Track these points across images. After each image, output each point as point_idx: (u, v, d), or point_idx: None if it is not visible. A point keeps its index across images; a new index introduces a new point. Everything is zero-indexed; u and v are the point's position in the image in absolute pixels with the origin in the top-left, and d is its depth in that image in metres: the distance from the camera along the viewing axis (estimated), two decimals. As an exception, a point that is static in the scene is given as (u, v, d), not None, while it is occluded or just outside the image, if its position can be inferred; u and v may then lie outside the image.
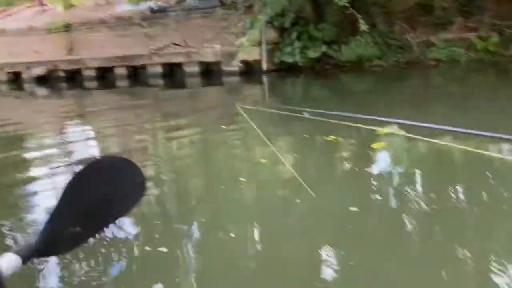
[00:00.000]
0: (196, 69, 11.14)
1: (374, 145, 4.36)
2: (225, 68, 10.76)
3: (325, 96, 8.74)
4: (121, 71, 12.06)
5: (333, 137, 4.68)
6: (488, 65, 9.07)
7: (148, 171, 4.13)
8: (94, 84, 12.23)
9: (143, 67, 11.88)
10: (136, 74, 12.11)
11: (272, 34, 10.41)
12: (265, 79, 10.39)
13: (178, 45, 12.50)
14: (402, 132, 4.44)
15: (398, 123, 4.63)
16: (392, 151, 4.42)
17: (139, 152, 5.14)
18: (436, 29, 10.24)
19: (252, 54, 10.39)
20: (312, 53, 10.07)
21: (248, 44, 10.26)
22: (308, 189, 3.17)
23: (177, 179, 4.18)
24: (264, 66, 10.34)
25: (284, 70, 10.68)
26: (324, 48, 10.09)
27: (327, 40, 10.28)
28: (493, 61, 9.13)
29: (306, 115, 5.52)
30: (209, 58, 10.93)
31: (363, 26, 8.82)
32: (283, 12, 10.29)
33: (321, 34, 10.22)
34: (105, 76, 12.44)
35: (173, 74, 11.70)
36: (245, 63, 10.64)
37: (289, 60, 10.15)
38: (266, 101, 8.60)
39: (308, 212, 3.05)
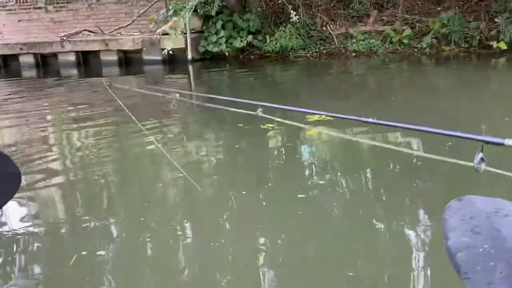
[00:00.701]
0: (114, 57, 10.46)
1: (309, 132, 4.52)
2: (146, 57, 10.24)
3: (252, 85, 8.73)
4: (27, 59, 10.93)
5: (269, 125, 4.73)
6: (402, 56, 9.69)
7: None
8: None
9: (54, 55, 10.88)
10: (46, 63, 11.06)
11: (196, 23, 10.12)
12: (190, 68, 10.07)
13: (92, 32, 11.66)
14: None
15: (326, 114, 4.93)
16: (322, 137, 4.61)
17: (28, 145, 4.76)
18: (354, 21, 10.72)
19: (177, 43, 10.00)
20: (238, 43, 9.98)
21: (174, 32, 9.86)
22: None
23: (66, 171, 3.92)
24: (189, 55, 10.01)
25: (209, 60, 10.47)
26: (250, 38, 10.04)
27: (252, 30, 10.25)
28: (407, 52, 9.78)
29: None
30: (128, 46, 10.32)
31: (294, 17, 8.91)
32: (207, 0, 10.05)
33: (246, 24, 10.16)
34: (8, 65, 11.20)
35: (88, 63, 10.88)
36: (169, 52, 10.22)
37: (215, 49, 9.95)
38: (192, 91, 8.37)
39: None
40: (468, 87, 6.97)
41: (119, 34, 10.88)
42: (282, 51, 10.21)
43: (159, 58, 10.15)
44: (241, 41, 10.00)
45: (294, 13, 9.05)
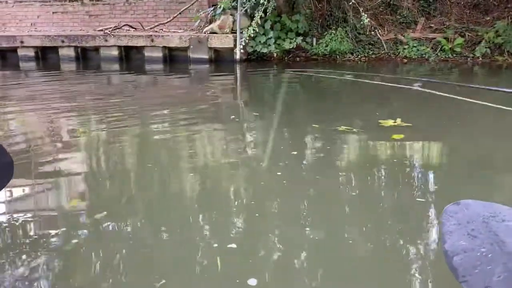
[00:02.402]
0: (158, 54, 10.27)
1: (394, 136, 4.55)
2: (193, 55, 10.06)
3: (305, 89, 8.61)
4: (67, 52, 10.71)
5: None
6: (455, 65, 9.57)
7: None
8: (32, 65, 10.73)
9: (96, 49, 10.68)
10: (85, 57, 10.85)
11: (245, 22, 9.95)
12: (237, 68, 9.91)
13: (133, 27, 11.48)
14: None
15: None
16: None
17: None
18: (402, 28, 10.60)
19: (225, 42, 9.83)
20: (288, 45, 9.82)
21: (221, 32, 9.71)
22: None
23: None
24: (237, 55, 9.83)
25: (254, 60, 10.31)
26: (299, 40, 9.89)
27: (300, 32, 10.10)
28: (459, 61, 9.65)
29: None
30: (175, 43, 10.13)
31: (365, 19, 8.76)
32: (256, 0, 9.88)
33: (295, 25, 10.01)
34: (46, 57, 10.99)
35: (129, 59, 10.69)
36: (215, 51, 10.06)
37: (264, 50, 9.78)
38: (237, 92, 8.25)
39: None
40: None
41: (162, 31, 10.69)
42: (330, 54, 10.06)
43: (206, 56, 9.98)
44: (290, 42, 9.84)
45: (365, 15, 8.89)
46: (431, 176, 3.68)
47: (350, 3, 9.58)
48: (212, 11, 10.29)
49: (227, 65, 9.99)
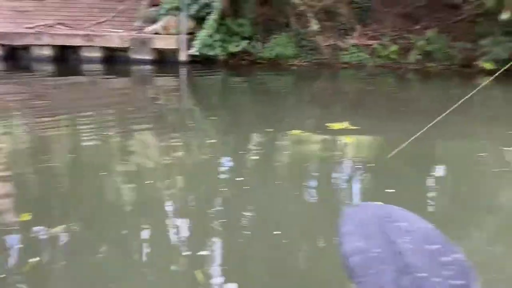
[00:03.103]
0: (97, 54, 9.77)
1: (347, 139, 4.80)
2: (134, 56, 9.69)
3: (252, 91, 8.67)
4: (-8, 50, 9.85)
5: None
6: (389, 71, 10.12)
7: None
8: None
9: (24, 48, 9.91)
10: (15, 57, 10.03)
11: (190, 24, 9.77)
12: (181, 70, 9.70)
13: (67, 26, 10.81)
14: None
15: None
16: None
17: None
18: (340, 34, 11.00)
19: (169, 43, 9.59)
20: (233, 48, 9.80)
21: (165, 32, 9.47)
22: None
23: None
24: (182, 56, 9.63)
25: (199, 62, 10.17)
26: (245, 43, 9.91)
27: (246, 36, 10.13)
28: (394, 67, 10.23)
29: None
30: (115, 43, 9.71)
31: (315, 26, 8.95)
32: (200, 1, 9.75)
33: (240, 29, 10.02)
34: (-33, 56, 10.03)
35: (64, 59, 10.04)
36: (159, 52, 9.77)
37: (210, 52, 9.66)
38: (185, 96, 8.11)
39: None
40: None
41: (103, 30, 10.18)
42: (275, 58, 10.20)
43: (149, 57, 9.67)
44: (236, 46, 9.83)
45: (316, 21, 9.09)
46: (373, 176, 3.83)
47: (298, 9, 9.81)
48: (155, 12, 9.99)
49: (171, 66, 9.76)
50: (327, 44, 10.80)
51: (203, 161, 4.18)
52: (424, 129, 3.93)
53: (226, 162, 4.08)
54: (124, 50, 9.76)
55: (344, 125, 5.13)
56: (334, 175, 3.88)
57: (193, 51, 9.57)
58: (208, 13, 9.72)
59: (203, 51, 9.74)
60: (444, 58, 10.12)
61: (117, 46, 9.72)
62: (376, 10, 11.58)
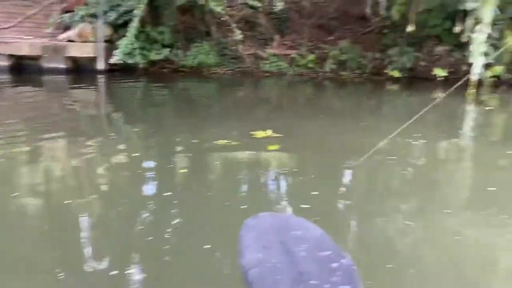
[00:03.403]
0: (3, 63, 9.06)
1: (270, 147, 4.84)
2: (47, 64, 9.12)
3: (173, 99, 8.56)
4: None
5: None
6: (308, 79, 10.59)
7: None
8: None
9: None
10: None
11: (106, 31, 9.44)
12: (99, 79, 9.31)
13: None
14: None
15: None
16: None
17: None
18: (260, 44, 11.30)
19: (85, 51, 9.17)
20: (154, 56, 9.63)
21: (80, 40, 9.04)
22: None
23: None
24: (100, 65, 9.26)
25: (118, 71, 9.84)
26: (166, 51, 9.78)
27: (166, 44, 10.01)
28: (312, 75, 10.72)
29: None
30: (25, 51, 9.06)
31: (238, 35, 9.03)
32: (115, 7, 9.47)
33: (161, 36, 9.88)
34: None
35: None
36: (74, 60, 9.30)
37: (130, 61, 9.39)
38: (105, 107, 7.78)
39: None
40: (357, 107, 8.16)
41: (10, 37, 9.44)
42: (198, 66, 10.19)
43: (63, 66, 9.17)
44: (157, 53, 9.67)
45: (240, 31, 9.20)
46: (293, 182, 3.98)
47: (218, 19, 9.90)
48: (68, 18, 9.49)
49: (88, 76, 9.32)
50: (248, 53, 11.03)
51: (126, 176, 3.97)
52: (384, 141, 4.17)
53: (152, 177, 3.95)
54: (35, 58, 9.16)
55: (268, 133, 5.21)
56: (262, 184, 3.93)
57: (115, 59, 9.19)
58: (127, 21, 9.49)
59: (123, 59, 9.45)
60: (356, 67, 10.81)
61: (26, 54, 9.08)
62: (293, 21, 12.08)
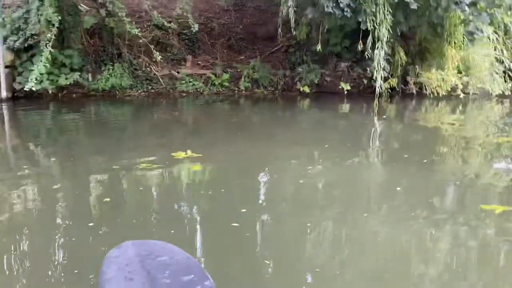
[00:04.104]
0: None
1: (194, 167, 5.03)
2: None
3: (86, 126, 8.21)
4: None
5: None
6: (225, 97, 10.86)
7: None
8: None
9: None
10: None
11: (7, 56, 8.82)
12: (3, 108, 8.63)
13: None
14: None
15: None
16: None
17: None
18: (173, 64, 11.34)
19: (-16, 78, 8.47)
20: (63, 80, 9.19)
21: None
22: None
23: None
24: (3, 93, 8.59)
25: (22, 98, 9.23)
26: (76, 75, 9.39)
27: (75, 68, 9.61)
28: (228, 94, 11.00)
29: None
30: None
31: (158, 57, 8.93)
32: (18, 31, 8.91)
33: (69, 60, 9.47)
34: None
35: None
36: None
37: (37, 87, 8.83)
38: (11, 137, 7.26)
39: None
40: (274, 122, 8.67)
41: None
42: (110, 89, 9.92)
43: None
44: (67, 78, 9.25)
45: (158, 53, 9.11)
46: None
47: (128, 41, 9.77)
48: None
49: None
50: (162, 74, 11.00)
51: (45, 211, 3.75)
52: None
53: (75, 209, 3.81)
54: None
55: (188, 153, 5.29)
56: (190, 206, 4.00)
57: (28, 86, 8.28)
58: (31, 45, 8.96)
59: (28, 85, 8.83)
60: (269, 84, 11.34)
61: None
62: (204, 42, 12.32)
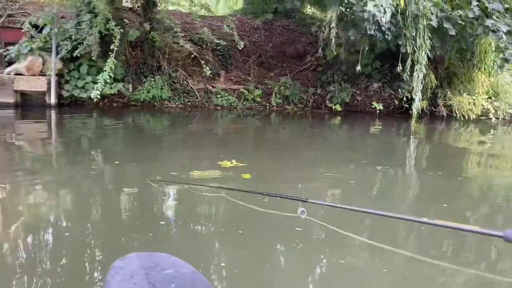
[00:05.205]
0: None
1: (244, 175, 5.12)
2: (-9, 98, 8.58)
3: (130, 135, 8.51)
4: None
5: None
6: (256, 112, 11.19)
7: None
8: None
9: None
10: None
11: (58, 65, 9.19)
12: (50, 114, 8.94)
13: None
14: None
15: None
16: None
17: None
18: (208, 79, 11.71)
19: (36, 85, 8.81)
20: (109, 90, 9.52)
21: (29, 73, 8.69)
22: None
23: None
24: (52, 99, 8.94)
25: (67, 106, 9.56)
26: (120, 85, 9.74)
27: (118, 78, 9.97)
28: (260, 109, 11.34)
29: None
30: (-33, 84, 8.45)
31: (208, 71, 9.28)
32: (69, 41, 9.29)
33: (113, 71, 9.82)
34: None
35: None
36: (22, 94, 8.87)
37: (83, 95, 9.21)
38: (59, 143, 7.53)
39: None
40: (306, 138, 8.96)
41: None
42: (150, 100, 10.27)
43: (10, 101, 8.71)
44: (111, 87, 9.59)
45: (208, 67, 9.47)
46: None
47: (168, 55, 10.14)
48: (16, 51, 9.06)
49: (38, 110, 8.93)
50: (198, 87, 11.36)
51: (99, 221, 3.81)
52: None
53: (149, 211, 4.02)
54: (-23, 91, 8.57)
55: (233, 163, 5.51)
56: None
57: (94, 94, 8.61)
58: (78, 55, 9.32)
59: (75, 93, 9.26)
60: (299, 101, 11.69)
61: (-32, 87, 8.49)
62: (236, 59, 12.72)
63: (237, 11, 15.77)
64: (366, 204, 4.45)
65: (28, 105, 8.96)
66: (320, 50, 12.05)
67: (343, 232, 2.61)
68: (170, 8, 12.61)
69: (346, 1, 8.01)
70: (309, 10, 15.20)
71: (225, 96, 11.20)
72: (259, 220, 3.67)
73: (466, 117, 10.05)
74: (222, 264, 3.02)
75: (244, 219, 3.78)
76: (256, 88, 11.83)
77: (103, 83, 8.38)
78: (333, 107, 11.01)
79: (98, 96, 8.56)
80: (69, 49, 9.02)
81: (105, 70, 8.45)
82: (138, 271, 1.27)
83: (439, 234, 3.56)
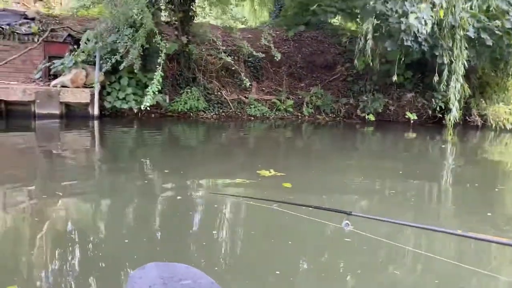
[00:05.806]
0: (-9, 108, 8.75)
1: (285, 184, 5.23)
2: (39, 110, 8.96)
3: (171, 144, 8.73)
4: None
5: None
6: (289, 122, 11.36)
7: None
8: None
9: None
10: None
11: (100, 77, 9.53)
12: (92, 124, 9.27)
13: None
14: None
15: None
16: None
17: None
18: (240, 90, 11.95)
19: (80, 97, 9.16)
20: (150, 101, 9.79)
21: (73, 86, 9.04)
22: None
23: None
24: (95, 110, 9.27)
25: (108, 116, 9.89)
26: (159, 96, 10.03)
27: (156, 90, 10.25)
28: (292, 119, 11.51)
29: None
30: (17, 97, 8.85)
31: (247, 83, 9.53)
32: (111, 54, 9.63)
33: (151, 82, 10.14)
34: None
35: None
36: (66, 106, 9.23)
37: (124, 106, 9.52)
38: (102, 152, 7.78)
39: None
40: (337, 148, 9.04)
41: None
42: (186, 111, 10.53)
43: (56, 112, 9.06)
44: (151, 99, 9.87)
45: (247, 79, 9.72)
46: None
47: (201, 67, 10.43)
48: (60, 64, 9.45)
49: (81, 121, 9.27)
50: (231, 98, 11.61)
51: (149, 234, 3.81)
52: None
53: (187, 224, 4.05)
54: (26, 104, 8.97)
55: (272, 172, 5.63)
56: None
57: (144, 106, 8.82)
58: (118, 68, 9.64)
59: (116, 104, 9.57)
60: (330, 111, 11.82)
61: (18, 99, 8.87)
62: (267, 69, 12.95)
63: (265, 22, 16.04)
64: (407, 216, 4.52)
65: (72, 116, 9.32)
66: (356, 61, 12.20)
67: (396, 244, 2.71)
68: (203, 21, 12.94)
69: (382, 12, 8.15)
70: (337, 21, 15.37)
71: (258, 106, 11.41)
72: (304, 229, 3.80)
73: (502, 127, 10.02)
74: (297, 270, 3.18)
75: (293, 229, 3.88)
76: (288, 99, 12.01)
77: (152, 95, 8.63)
78: (366, 117, 11.09)
79: (148, 108, 8.85)
80: (113, 62, 9.35)
81: (153, 83, 8.72)
82: (157, 280, 1.28)
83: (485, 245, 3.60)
